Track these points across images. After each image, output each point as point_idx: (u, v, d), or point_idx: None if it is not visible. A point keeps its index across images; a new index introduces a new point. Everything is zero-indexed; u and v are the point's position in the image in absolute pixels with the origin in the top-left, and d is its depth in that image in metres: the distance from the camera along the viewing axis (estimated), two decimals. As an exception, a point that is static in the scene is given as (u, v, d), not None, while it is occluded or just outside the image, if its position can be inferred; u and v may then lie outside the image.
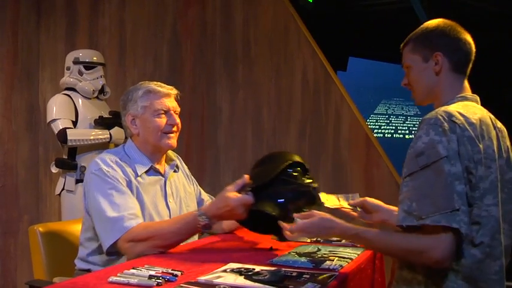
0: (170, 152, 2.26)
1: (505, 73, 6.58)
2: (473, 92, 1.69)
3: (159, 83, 2.17)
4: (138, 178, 2.06)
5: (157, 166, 2.13)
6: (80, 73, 3.36)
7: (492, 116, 1.65)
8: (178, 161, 2.31)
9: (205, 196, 2.38)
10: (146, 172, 2.09)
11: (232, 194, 1.86)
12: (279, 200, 1.87)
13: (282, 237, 1.90)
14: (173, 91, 2.16)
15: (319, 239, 2.08)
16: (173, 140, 2.12)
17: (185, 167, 2.37)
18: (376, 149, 2.97)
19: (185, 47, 3.54)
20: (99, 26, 3.80)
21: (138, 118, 2.10)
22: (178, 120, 2.13)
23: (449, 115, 1.50)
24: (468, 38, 1.68)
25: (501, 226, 1.52)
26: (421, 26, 1.72)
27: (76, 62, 3.37)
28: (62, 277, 2.10)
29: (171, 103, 2.14)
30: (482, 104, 1.66)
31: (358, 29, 6.97)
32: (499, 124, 1.66)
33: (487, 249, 1.48)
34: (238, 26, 3.39)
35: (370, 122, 7.95)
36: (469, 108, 1.58)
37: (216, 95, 3.43)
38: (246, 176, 1.92)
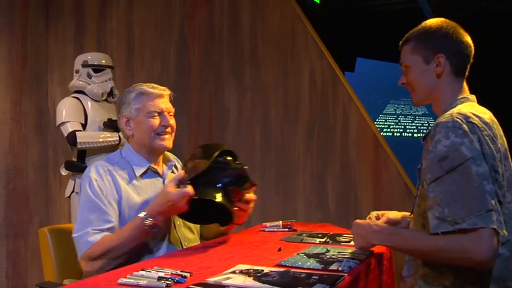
0: (168, 154, 2.28)
1: (509, 72, 6.54)
2: (475, 91, 1.70)
3: (152, 84, 2.18)
4: (135, 181, 2.08)
5: (155, 167, 2.15)
6: (89, 76, 3.38)
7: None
8: (176, 162, 2.33)
9: None
10: (144, 173, 2.12)
11: (171, 188, 1.89)
12: (217, 185, 1.93)
13: (224, 223, 2.05)
14: (166, 92, 2.17)
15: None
16: (167, 141, 2.13)
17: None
18: (384, 150, 2.96)
19: (192, 49, 3.55)
20: (107, 28, 3.82)
21: (132, 120, 2.12)
22: (171, 122, 2.14)
23: (466, 116, 1.50)
24: (469, 40, 1.67)
25: None
26: (422, 25, 1.70)
27: (85, 65, 3.39)
28: (72, 279, 2.11)
29: (164, 104, 2.14)
30: (486, 103, 1.67)
31: (365, 29, 6.96)
32: (497, 123, 1.68)
33: None
34: (246, 28, 3.39)
35: (380, 122, 8.03)
36: (477, 109, 1.58)
37: (224, 96, 3.44)
38: (182, 171, 1.96)
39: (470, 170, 1.43)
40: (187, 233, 2.16)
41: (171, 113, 2.17)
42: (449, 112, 1.56)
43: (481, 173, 1.43)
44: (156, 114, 2.10)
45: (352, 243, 2.07)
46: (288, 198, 3.22)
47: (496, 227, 1.39)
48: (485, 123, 1.52)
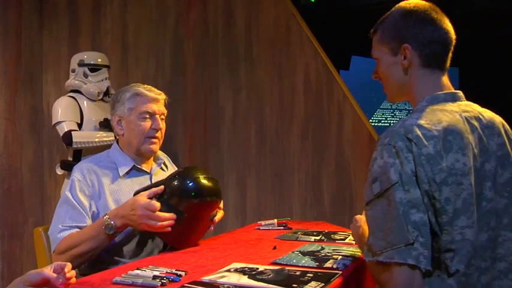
0: (159, 152, 2.30)
1: (509, 71, 6.57)
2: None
3: (149, 86, 2.19)
4: (119, 180, 2.10)
5: (143, 166, 2.17)
6: (85, 75, 3.38)
7: (475, 113, 1.41)
8: (166, 160, 2.35)
9: None
10: (128, 173, 2.14)
11: (141, 197, 1.88)
12: (175, 212, 1.89)
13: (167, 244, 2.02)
14: (161, 96, 2.18)
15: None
16: (155, 145, 2.16)
17: (175, 168, 2.40)
18: (379, 148, 2.97)
19: (187, 48, 3.55)
20: (101, 27, 3.82)
21: (124, 120, 2.14)
22: (162, 126, 2.16)
23: (406, 131, 1.29)
24: (445, 25, 1.42)
25: (478, 250, 1.31)
26: (393, 9, 1.48)
27: (81, 64, 3.38)
28: (67, 278, 2.11)
29: (158, 107, 2.15)
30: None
31: (360, 27, 6.97)
32: (487, 120, 1.41)
33: (463, 278, 1.29)
34: (240, 27, 3.39)
35: (377, 115, 8.09)
36: (435, 115, 1.34)
37: (219, 95, 3.44)
38: (162, 186, 1.94)
39: (393, 197, 1.25)
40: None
41: (163, 117, 2.19)
42: (396, 123, 1.36)
43: (409, 200, 1.24)
44: (148, 117, 2.12)
45: (348, 240, 2.08)
46: (284, 197, 3.23)
47: (415, 263, 1.22)
48: (431, 137, 1.28)
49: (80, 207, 2.00)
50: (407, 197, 1.25)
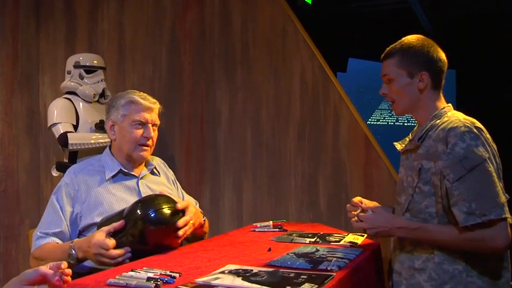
0: (156, 158, 2.33)
1: (505, 73, 6.58)
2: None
3: (144, 94, 2.23)
4: (106, 184, 2.15)
5: (132, 170, 2.22)
6: (81, 77, 3.37)
7: None
8: (163, 166, 2.38)
9: (189, 200, 2.40)
10: (114, 176, 2.17)
11: (99, 234, 1.91)
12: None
13: None
14: (155, 105, 2.22)
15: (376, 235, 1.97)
16: (146, 152, 2.21)
17: (170, 172, 2.42)
18: (375, 150, 2.98)
19: (184, 50, 3.55)
20: (98, 30, 3.81)
21: (117, 125, 2.19)
22: (153, 134, 2.20)
23: (471, 122, 1.71)
24: (444, 56, 1.84)
25: None
26: (404, 41, 1.85)
27: (77, 66, 3.38)
28: (62, 280, 2.11)
29: (151, 116, 2.19)
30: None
31: (357, 30, 6.97)
32: None
33: None
34: (237, 29, 3.40)
35: (376, 115, 8.24)
36: (467, 116, 1.77)
37: (215, 97, 3.44)
38: (121, 221, 1.94)
39: (488, 169, 1.65)
40: None
41: (155, 126, 2.23)
42: (453, 118, 1.74)
43: (494, 170, 1.66)
44: (140, 125, 2.16)
45: (343, 242, 2.08)
46: (280, 199, 3.23)
47: (508, 216, 1.65)
48: (483, 128, 1.72)
49: (60, 212, 2.08)
50: (493, 168, 1.66)
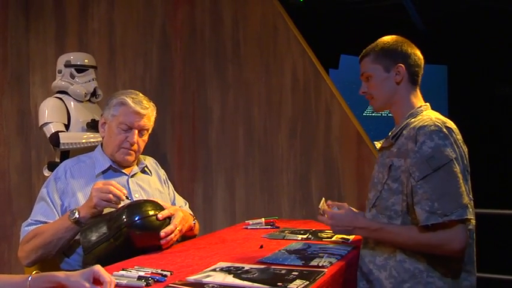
0: (142, 156, 2.32)
1: (497, 68, 6.60)
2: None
3: (139, 98, 2.19)
4: (96, 178, 2.15)
5: (123, 169, 2.22)
6: (72, 76, 3.36)
7: None
8: (155, 165, 2.37)
9: (179, 201, 2.40)
10: (105, 172, 2.18)
11: (98, 183, 1.98)
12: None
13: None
14: (147, 111, 2.19)
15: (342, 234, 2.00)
16: (130, 156, 2.20)
17: (161, 171, 2.41)
18: (367, 146, 2.98)
19: (175, 48, 3.54)
20: (88, 28, 3.79)
21: (107, 124, 2.21)
22: (137, 139, 2.16)
23: (443, 122, 1.71)
24: (419, 53, 1.86)
25: None
26: (379, 40, 1.89)
27: (67, 65, 3.36)
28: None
29: (138, 122, 2.16)
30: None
31: (349, 26, 6.98)
32: None
33: (473, 235, 1.76)
34: (227, 26, 3.39)
35: (370, 108, 8.27)
36: (441, 116, 1.77)
37: (207, 95, 3.43)
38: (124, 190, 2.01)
39: (454, 169, 1.63)
40: None
41: (144, 132, 2.20)
42: (425, 117, 1.73)
43: (460, 172, 1.64)
44: (126, 128, 2.14)
45: (335, 238, 2.09)
46: (273, 196, 3.23)
47: (473, 217, 1.66)
48: (455, 129, 1.73)
49: (52, 204, 2.08)
50: (459, 170, 1.65)
